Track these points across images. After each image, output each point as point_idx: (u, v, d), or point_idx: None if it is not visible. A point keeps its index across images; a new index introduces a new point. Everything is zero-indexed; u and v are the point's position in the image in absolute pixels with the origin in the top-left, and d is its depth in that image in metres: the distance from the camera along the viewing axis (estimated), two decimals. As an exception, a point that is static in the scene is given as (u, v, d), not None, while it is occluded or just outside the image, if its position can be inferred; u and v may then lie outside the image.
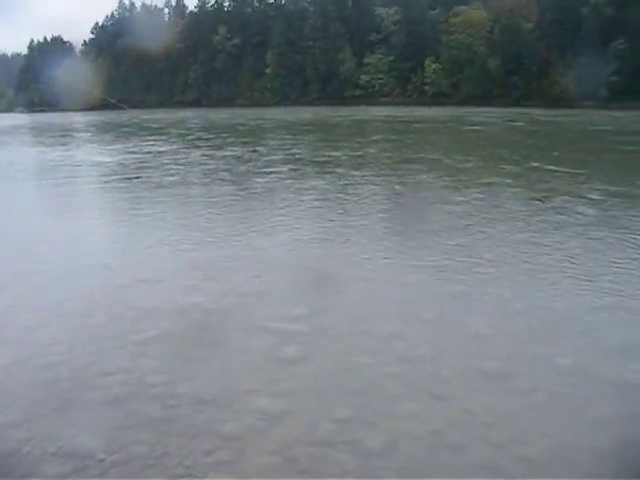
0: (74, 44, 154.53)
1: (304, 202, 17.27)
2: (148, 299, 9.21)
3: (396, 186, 20.22)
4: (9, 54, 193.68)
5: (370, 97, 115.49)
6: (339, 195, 18.29)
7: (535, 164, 24.95)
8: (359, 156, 29.53)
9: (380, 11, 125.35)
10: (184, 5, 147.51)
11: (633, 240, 12.47)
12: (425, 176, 22.48)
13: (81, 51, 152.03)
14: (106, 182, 22.80)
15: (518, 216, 15.13)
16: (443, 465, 5.21)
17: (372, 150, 32.87)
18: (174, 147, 36.46)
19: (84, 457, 5.24)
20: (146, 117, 78.99)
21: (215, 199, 18.13)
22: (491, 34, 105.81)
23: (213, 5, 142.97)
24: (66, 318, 8.51)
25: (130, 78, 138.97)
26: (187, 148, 35.49)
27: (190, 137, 44.92)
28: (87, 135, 54.64)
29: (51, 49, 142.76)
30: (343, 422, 5.80)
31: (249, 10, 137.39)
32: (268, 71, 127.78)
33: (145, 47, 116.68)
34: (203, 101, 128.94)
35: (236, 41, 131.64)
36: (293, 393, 6.39)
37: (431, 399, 6.26)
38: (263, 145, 35.50)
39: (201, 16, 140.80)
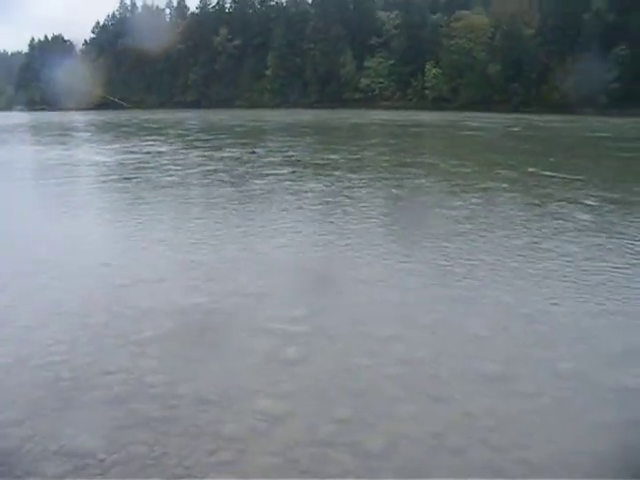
0: (75, 43, 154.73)
1: (302, 204, 17.28)
2: (148, 299, 9.21)
3: (393, 190, 20.24)
4: (9, 52, 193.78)
5: (370, 100, 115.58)
6: (337, 198, 18.31)
7: (531, 169, 25.05)
8: (357, 159, 29.64)
9: (381, 15, 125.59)
10: (185, 6, 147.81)
11: (631, 246, 12.52)
12: (422, 180, 22.56)
13: (82, 50, 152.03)
14: (105, 182, 22.84)
15: (515, 221, 15.16)
16: (443, 467, 5.21)
17: (370, 153, 32.97)
18: (173, 147, 36.53)
19: (84, 456, 5.24)
20: (145, 117, 79.06)
21: (214, 200, 18.16)
22: (492, 40, 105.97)
23: (214, 6, 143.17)
24: (66, 318, 8.49)
25: (130, 78, 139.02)
26: (186, 149, 35.55)
27: (189, 138, 45.07)
28: (86, 134, 54.69)
29: (52, 48, 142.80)
30: (343, 423, 5.81)
31: (250, 11, 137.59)
32: (268, 73, 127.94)
33: (146, 47, 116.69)
34: (203, 102, 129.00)
35: (237, 42, 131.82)
36: (294, 394, 6.39)
37: (431, 401, 6.27)
38: (262, 147, 35.51)
39: (202, 17, 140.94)
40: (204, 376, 6.74)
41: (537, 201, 17.84)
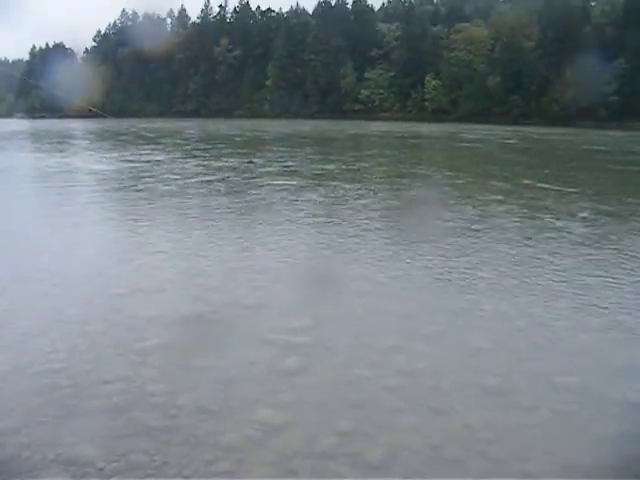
0: (76, 51, 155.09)
1: (300, 215, 17.29)
2: (147, 309, 9.19)
3: (389, 201, 20.36)
4: (10, 60, 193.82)
5: (370, 112, 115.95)
6: (334, 208, 18.41)
7: (527, 181, 25.21)
8: (354, 170, 29.78)
9: (382, 26, 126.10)
10: (186, 16, 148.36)
11: (627, 258, 12.54)
12: (418, 191, 22.78)
13: (83, 58, 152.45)
14: (104, 191, 22.82)
15: (510, 233, 15.20)
16: (443, 478, 5.20)
17: (367, 164, 33.07)
18: (171, 157, 36.59)
19: (84, 465, 5.22)
20: (144, 126, 79.17)
21: (212, 210, 18.18)
22: (492, 52, 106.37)
23: (215, 16, 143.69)
24: (65, 325, 8.46)
25: (131, 87, 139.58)
26: (184, 158, 35.66)
27: (187, 147, 45.28)
28: (85, 142, 54.84)
29: (53, 56, 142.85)
30: (343, 434, 5.79)
31: (251, 22, 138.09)
32: (268, 83, 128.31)
33: (146, 56, 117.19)
34: (202, 112, 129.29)
35: (237, 53, 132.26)
36: (293, 405, 6.38)
37: (431, 413, 6.26)
38: (260, 157, 35.57)
39: (203, 27, 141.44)
40: (204, 386, 6.72)
41: (531, 213, 17.93)
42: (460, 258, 12.56)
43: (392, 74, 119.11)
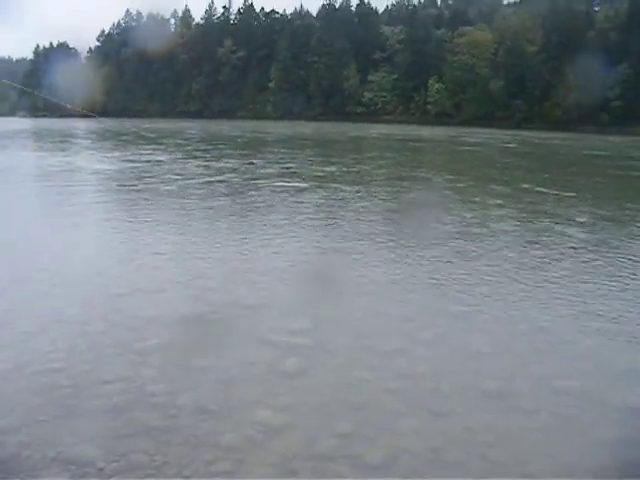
0: (80, 51, 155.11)
1: (299, 216, 17.34)
2: (148, 308, 9.19)
3: (388, 203, 20.39)
4: (14, 58, 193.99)
5: (373, 114, 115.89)
6: (334, 210, 18.48)
7: (525, 185, 25.29)
8: (354, 172, 29.85)
9: (385, 29, 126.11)
10: (190, 16, 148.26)
11: (627, 263, 12.56)
12: (417, 194, 22.89)
13: (86, 58, 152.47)
14: (104, 190, 22.87)
15: (508, 236, 15.30)
16: (443, 478, 5.20)
17: (367, 167, 33.11)
18: (172, 157, 36.65)
19: (83, 464, 5.22)
20: (146, 126, 79.10)
21: (211, 210, 18.23)
22: (495, 56, 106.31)
23: (219, 17, 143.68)
24: (65, 325, 8.46)
25: (134, 87, 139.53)
26: (185, 158, 35.74)
27: (188, 147, 45.38)
28: (87, 142, 54.84)
29: (57, 55, 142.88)
30: (343, 436, 5.79)
31: (255, 23, 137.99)
32: (271, 85, 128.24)
33: (150, 57, 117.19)
34: (205, 112, 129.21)
35: (241, 54, 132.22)
36: (294, 406, 6.38)
37: (431, 416, 6.26)
38: (260, 158, 35.60)
39: (207, 28, 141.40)
40: (204, 386, 6.72)
41: (530, 217, 17.97)
42: (460, 261, 12.59)
43: (395, 77, 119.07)
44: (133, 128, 74.20)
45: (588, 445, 5.89)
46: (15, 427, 5.77)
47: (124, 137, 57.69)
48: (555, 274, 11.59)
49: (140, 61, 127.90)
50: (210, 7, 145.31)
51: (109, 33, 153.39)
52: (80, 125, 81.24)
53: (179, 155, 38.13)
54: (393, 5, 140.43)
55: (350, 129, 79.37)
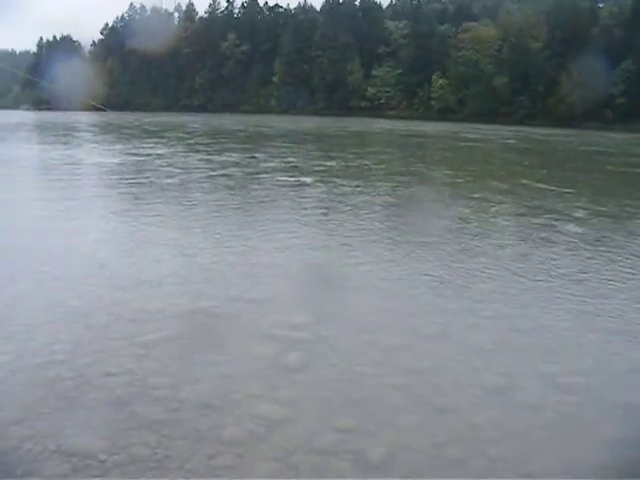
0: (83, 44, 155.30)
1: (300, 210, 17.40)
2: (150, 301, 9.18)
3: (388, 197, 20.40)
4: (17, 51, 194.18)
5: (376, 109, 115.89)
6: (333, 205, 18.50)
7: (525, 181, 25.40)
8: (354, 167, 29.90)
9: (389, 24, 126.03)
10: (194, 10, 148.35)
11: (626, 261, 12.55)
12: (416, 189, 23.08)
13: (90, 51, 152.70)
14: (106, 183, 22.97)
15: (508, 232, 15.40)
16: (444, 478, 5.18)
17: (368, 162, 33.14)
18: (173, 150, 36.75)
19: (85, 457, 5.20)
20: (149, 120, 79.23)
21: (213, 204, 18.21)
22: (499, 52, 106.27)
23: (223, 11, 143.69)
24: (68, 318, 8.45)
25: (137, 80, 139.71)
26: (186, 152, 35.82)
27: (190, 141, 45.45)
28: (89, 135, 54.84)
29: (60, 48, 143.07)
30: (345, 432, 5.77)
31: (259, 17, 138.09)
32: (275, 79, 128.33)
33: (153, 50, 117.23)
34: (209, 106, 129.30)
35: (245, 48, 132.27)
36: (296, 400, 6.36)
37: (434, 412, 6.24)
38: (262, 152, 35.61)
39: (210, 22, 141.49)
40: (206, 380, 6.71)
41: (529, 213, 18.00)
42: (459, 257, 12.59)
43: (399, 72, 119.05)
44: (136, 122, 74.29)
45: (592, 442, 5.87)
46: (16, 419, 5.75)
47: (126, 130, 57.84)
48: (555, 271, 11.59)
49: (143, 55, 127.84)
50: (214, 1, 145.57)
51: (113, 26, 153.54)
52: (83, 118, 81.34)
53: (181, 149, 38.22)
54: (397, 0, 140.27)
55: (353, 124, 79.42)
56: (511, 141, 54.88)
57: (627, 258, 12.78)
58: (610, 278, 11.12)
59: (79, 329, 8.01)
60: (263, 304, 9.31)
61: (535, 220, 16.73)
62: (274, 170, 26.67)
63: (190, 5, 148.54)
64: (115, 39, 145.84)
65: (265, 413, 6.01)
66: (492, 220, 16.80)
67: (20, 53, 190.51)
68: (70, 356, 7.13)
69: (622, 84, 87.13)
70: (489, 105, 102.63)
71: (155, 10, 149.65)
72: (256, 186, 22.01)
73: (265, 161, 30.44)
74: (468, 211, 17.87)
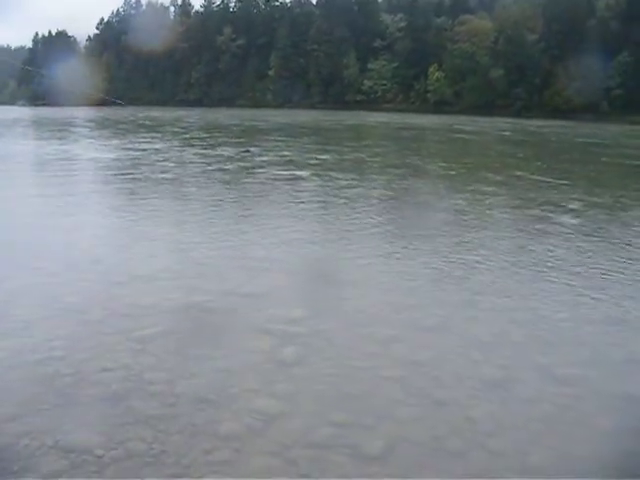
0: (79, 40, 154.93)
1: (294, 204, 17.40)
2: (146, 296, 9.17)
3: (382, 190, 20.43)
4: (12, 47, 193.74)
5: (373, 103, 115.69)
6: (328, 198, 18.54)
7: (519, 173, 25.48)
8: (349, 160, 29.96)
9: (385, 17, 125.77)
10: (190, 4, 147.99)
11: (621, 251, 12.62)
12: (410, 182, 23.09)
13: (85, 47, 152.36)
14: (101, 178, 22.95)
15: (504, 224, 15.50)
16: (442, 471, 5.17)
17: (363, 155, 33.20)
18: (169, 145, 36.82)
19: (82, 452, 5.19)
20: (144, 115, 79.08)
21: (207, 198, 18.21)
22: (495, 44, 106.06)
23: (219, 5, 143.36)
24: (64, 313, 8.44)
25: (133, 76, 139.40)
26: (181, 146, 35.95)
27: (185, 136, 45.53)
28: (85, 130, 54.76)
29: (55, 43, 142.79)
30: (342, 425, 5.75)
31: (255, 11, 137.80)
32: (271, 73, 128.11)
33: (149, 45, 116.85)
34: (205, 101, 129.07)
35: (240, 42, 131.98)
36: (292, 394, 6.34)
37: (432, 405, 6.23)
38: (257, 146, 35.55)
39: (206, 16, 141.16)
40: (202, 374, 6.70)
41: (523, 204, 18.06)
42: (456, 249, 12.61)
43: (395, 65, 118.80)
44: (131, 117, 74.13)
45: (590, 435, 5.87)
46: (13, 415, 5.74)
47: (122, 125, 57.76)
48: (552, 262, 11.61)
49: (139, 50, 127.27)
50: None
51: (108, 21, 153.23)
52: (79, 114, 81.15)
53: (176, 143, 38.31)
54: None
55: (348, 117, 79.39)
56: (506, 133, 54.95)
57: (622, 249, 12.83)
58: (606, 269, 11.15)
59: (75, 325, 8.01)
60: (259, 298, 9.28)
61: (530, 212, 16.78)
62: (269, 164, 26.60)
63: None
64: (111, 34, 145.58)
65: (262, 407, 6.00)
66: (488, 212, 16.83)
67: (15, 49, 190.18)
68: (67, 352, 7.11)
69: (618, 76, 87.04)
70: (485, 97, 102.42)
71: (150, 5, 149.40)
72: (251, 180, 22.01)
73: (260, 155, 30.40)
74: (464, 203, 17.91)
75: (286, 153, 31.91)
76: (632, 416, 6.17)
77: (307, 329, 7.99)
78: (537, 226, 14.97)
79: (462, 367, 7.06)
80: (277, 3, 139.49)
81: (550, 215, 16.21)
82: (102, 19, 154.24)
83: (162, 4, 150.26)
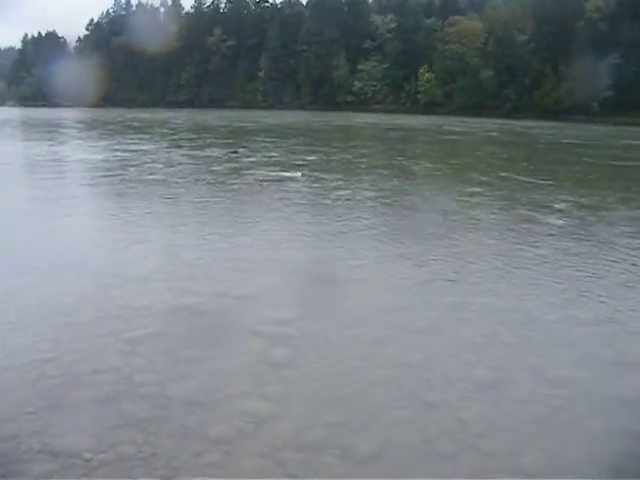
0: (69, 40, 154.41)
1: (281, 205, 17.35)
2: (137, 298, 9.11)
3: (368, 192, 20.33)
4: (2, 48, 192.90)
5: (363, 104, 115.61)
6: (314, 199, 18.54)
7: (504, 174, 25.54)
8: (336, 160, 29.91)
9: (375, 18, 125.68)
10: (180, 5, 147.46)
11: (608, 252, 12.68)
12: (396, 182, 22.98)
13: (75, 47, 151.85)
14: (90, 180, 22.75)
15: (491, 226, 15.46)
16: (433, 473, 5.16)
17: (350, 156, 33.12)
18: (157, 146, 36.61)
19: (70, 456, 5.15)
20: (133, 116, 78.96)
21: (196, 200, 18.12)
22: (485, 45, 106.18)
23: (209, 6, 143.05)
24: (54, 315, 8.40)
25: (123, 76, 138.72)
26: (169, 148, 35.78)
27: (174, 137, 45.49)
28: (74, 132, 54.54)
29: (45, 44, 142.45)
30: (333, 427, 5.74)
31: (245, 12, 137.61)
32: (261, 74, 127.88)
33: (139, 46, 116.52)
34: (195, 102, 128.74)
35: (231, 43, 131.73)
36: (283, 396, 6.32)
37: (423, 406, 6.22)
38: (245, 147, 35.56)
39: (197, 17, 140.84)
40: (193, 377, 6.67)
41: (508, 205, 18.14)
42: (444, 250, 12.67)
43: (385, 66, 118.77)
44: (119, 118, 73.99)
45: (582, 436, 5.86)
46: (1, 419, 5.70)
47: (111, 127, 57.60)
48: (540, 263, 11.64)
49: (129, 50, 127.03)
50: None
51: (98, 22, 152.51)
52: (68, 115, 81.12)
53: (164, 145, 38.15)
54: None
55: (338, 118, 79.40)
56: (493, 134, 55.02)
57: (610, 249, 12.89)
58: (594, 270, 11.20)
59: (65, 326, 7.96)
60: (250, 300, 9.25)
61: (516, 213, 16.82)
62: (257, 165, 26.58)
63: (176, 0, 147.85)
64: (101, 35, 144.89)
65: (252, 409, 5.98)
66: (473, 213, 16.77)
67: (5, 49, 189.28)
68: (56, 354, 7.07)
69: (609, 78, 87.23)
70: (476, 98, 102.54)
71: (141, 5, 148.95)
72: (238, 181, 21.99)
73: (247, 156, 30.36)
74: (450, 204, 17.88)
75: (274, 154, 31.88)
76: (623, 418, 6.17)
77: (298, 331, 7.96)
78: (523, 226, 15.03)
79: (453, 369, 7.05)
80: (267, 4, 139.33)
81: (536, 215, 16.25)
82: (92, 20, 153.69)
83: (152, 5, 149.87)
